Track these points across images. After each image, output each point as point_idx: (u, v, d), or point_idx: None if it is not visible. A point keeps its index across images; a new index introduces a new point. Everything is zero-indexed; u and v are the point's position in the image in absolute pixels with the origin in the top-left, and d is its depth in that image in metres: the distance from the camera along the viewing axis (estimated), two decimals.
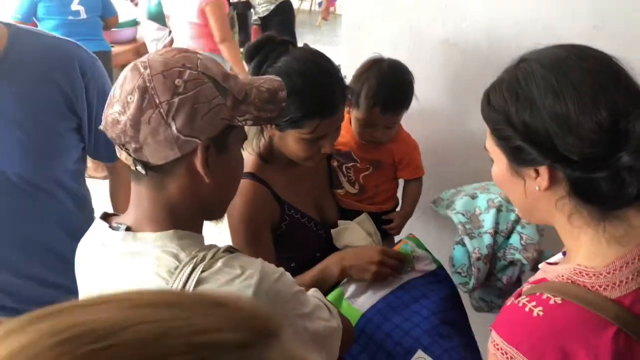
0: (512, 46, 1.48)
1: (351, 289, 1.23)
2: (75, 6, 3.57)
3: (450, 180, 1.73)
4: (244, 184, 1.29)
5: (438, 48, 1.58)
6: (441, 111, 1.67)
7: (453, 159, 1.72)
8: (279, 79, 0.92)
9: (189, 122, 0.79)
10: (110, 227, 0.88)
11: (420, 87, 1.59)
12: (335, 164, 1.50)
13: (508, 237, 1.23)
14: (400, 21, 1.58)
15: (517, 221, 1.23)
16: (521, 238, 1.22)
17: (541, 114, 0.78)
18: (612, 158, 0.75)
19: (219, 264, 0.80)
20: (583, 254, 0.82)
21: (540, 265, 0.98)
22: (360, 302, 1.21)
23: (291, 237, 1.38)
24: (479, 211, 1.27)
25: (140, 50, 4.51)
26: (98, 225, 0.91)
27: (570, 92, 0.77)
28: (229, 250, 0.85)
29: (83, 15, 3.63)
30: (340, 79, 1.24)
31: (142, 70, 0.80)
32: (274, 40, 1.24)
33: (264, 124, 0.91)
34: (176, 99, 0.78)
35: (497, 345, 0.81)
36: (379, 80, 1.36)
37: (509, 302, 0.89)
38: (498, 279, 1.25)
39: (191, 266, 0.79)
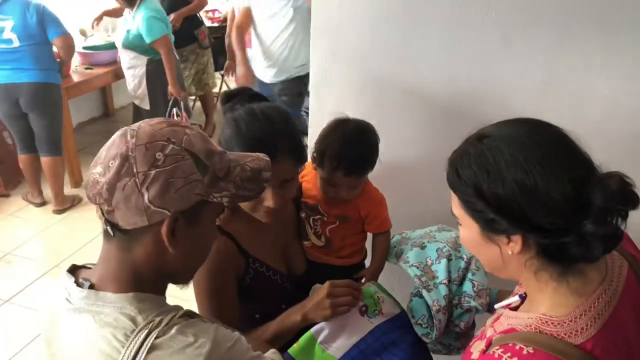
0: (469, 97, 1.59)
1: (324, 333, 1.24)
2: (7, 34, 3.45)
3: (410, 224, 1.79)
4: None
5: (399, 94, 1.64)
6: (402, 155, 1.72)
7: (414, 201, 1.80)
8: (267, 158, 0.96)
9: (161, 194, 0.82)
10: (76, 282, 0.91)
11: (384, 132, 1.66)
12: (303, 215, 1.52)
13: (460, 284, 1.30)
14: (364, 70, 1.65)
15: (467, 268, 1.31)
16: (473, 285, 1.28)
17: (512, 189, 0.85)
18: (578, 226, 0.83)
19: (173, 330, 0.83)
20: (547, 304, 0.90)
21: (496, 306, 1.08)
22: (334, 348, 1.22)
23: (255, 289, 1.39)
24: (430, 261, 1.32)
25: (119, 72, 4.41)
26: (65, 279, 0.93)
27: (537, 169, 0.84)
28: (187, 314, 0.88)
29: (16, 44, 3.48)
30: (288, 133, 1.24)
31: (129, 138, 0.84)
32: (246, 91, 1.34)
33: (240, 202, 0.94)
34: (153, 171, 0.82)
35: None
36: (343, 143, 1.38)
37: (475, 349, 0.98)
38: (455, 324, 1.31)
39: (146, 331, 0.82)
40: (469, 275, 1.30)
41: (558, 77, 1.50)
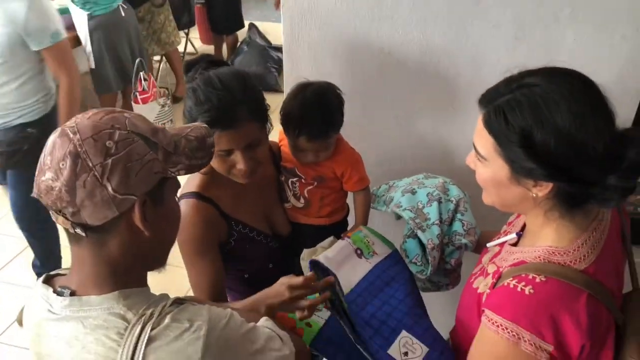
0: (443, 55, 1.60)
1: (322, 258, 1.30)
2: None
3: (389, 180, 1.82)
4: (189, 204, 1.36)
5: (374, 57, 1.65)
6: (379, 116, 1.74)
7: (392, 160, 1.84)
8: (204, 125, 0.97)
9: (124, 181, 0.82)
10: (55, 291, 0.90)
11: (358, 95, 1.67)
12: (282, 178, 1.56)
13: (450, 224, 1.38)
14: (338, 31, 1.65)
15: (456, 210, 1.39)
16: (463, 224, 1.37)
17: (564, 142, 0.90)
18: (604, 178, 0.91)
19: (167, 319, 0.85)
20: (552, 237, 1.02)
21: (489, 245, 1.21)
22: (341, 281, 1.27)
23: (241, 251, 1.44)
24: (421, 205, 1.40)
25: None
26: (41, 291, 0.92)
27: (588, 124, 0.90)
28: (176, 302, 0.90)
29: None
30: (246, 98, 1.25)
31: (71, 135, 0.82)
32: (205, 59, 1.35)
33: (197, 171, 0.96)
34: (109, 160, 0.81)
35: (498, 323, 0.96)
36: (303, 108, 1.39)
37: (480, 284, 1.10)
38: (446, 262, 1.40)
39: (140, 325, 0.84)
40: (458, 215, 1.38)
41: (529, 30, 1.52)
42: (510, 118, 0.93)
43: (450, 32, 1.58)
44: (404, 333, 1.19)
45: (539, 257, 1.01)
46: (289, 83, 1.75)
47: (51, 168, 0.82)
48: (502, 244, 1.19)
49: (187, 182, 1.42)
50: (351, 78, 1.69)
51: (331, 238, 1.54)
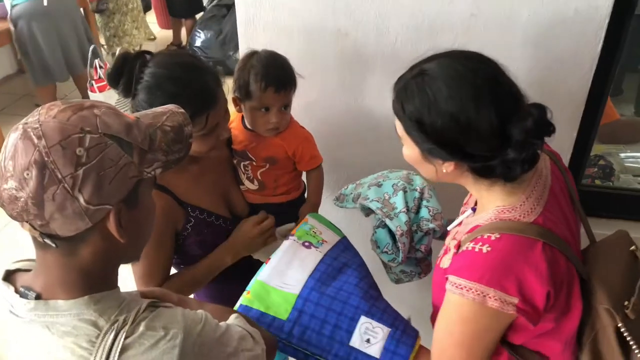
0: (400, 35, 1.59)
1: (274, 276, 1.27)
2: None
3: (352, 164, 1.82)
4: None
5: (331, 38, 1.62)
6: (339, 99, 1.73)
7: (353, 143, 1.84)
8: (181, 110, 0.91)
9: (97, 191, 0.77)
10: (17, 291, 0.85)
11: (317, 77, 1.65)
12: (235, 161, 1.57)
13: (417, 212, 1.42)
14: (293, 12, 1.63)
15: (421, 197, 1.43)
16: (429, 210, 1.41)
17: (449, 124, 0.98)
18: (502, 153, 0.99)
19: (142, 327, 0.82)
20: (497, 198, 1.08)
21: (450, 227, 1.26)
22: (291, 285, 1.25)
23: (200, 236, 1.44)
24: (387, 196, 1.43)
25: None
26: (3, 289, 0.86)
27: (470, 105, 0.98)
28: (150, 305, 0.86)
29: None
30: (208, 67, 1.32)
31: (35, 140, 0.75)
32: (128, 57, 1.28)
33: (173, 167, 0.89)
34: (80, 171, 0.75)
35: (462, 286, 1.01)
36: (264, 63, 1.44)
37: (444, 262, 1.13)
38: (417, 249, 1.43)
39: (113, 333, 0.80)
40: (424, 202, 1.42)
41: (484, 7, 1.52)
42: (405, 105, 1.03)
43: (405, 11, 1.58)
44: (363, 319, 1.19)
45: (490, 218, 1.07)
46: None
47: (14, 176, 0.75)
48: (460, 223, 1.23)
49: None
50: (309, 60, 1.68)
51: (292, 224, 1.57)
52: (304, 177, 1.69)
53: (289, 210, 1.62)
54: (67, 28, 4.05)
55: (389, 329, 1.18)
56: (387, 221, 1.39)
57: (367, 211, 1.52)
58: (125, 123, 0.82)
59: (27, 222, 0.78)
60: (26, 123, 0.77)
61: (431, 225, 1.40)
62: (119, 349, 0.79)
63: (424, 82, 1.01)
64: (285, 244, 1.36)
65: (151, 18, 5.93)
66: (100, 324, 0.81)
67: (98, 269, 0.84)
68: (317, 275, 1.26)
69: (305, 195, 1.69)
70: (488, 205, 1.10)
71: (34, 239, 0.81)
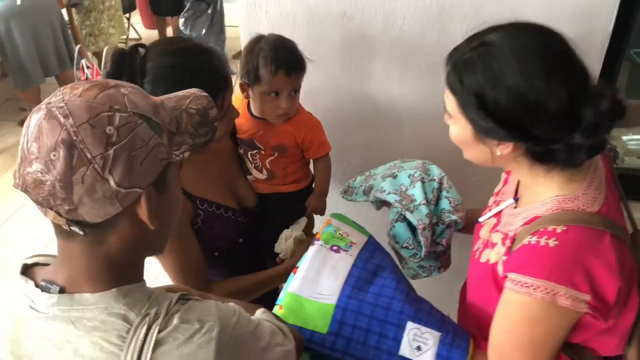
0: (406, 17, 1.55)
1: (305, 287, 1.16)
2: None
3: (359, 153, 1.78)
4: None
5: (336, 22, 1.58)
6: (344, 85, 1.69)
7: (359, 130, 1.80)
8: (204, 93, 0.87)
9: (128, 173, 0.73)
10: (37, 285, 0.80)
11: (322, 62, 1.61)
12: (241, 151, 1.53)
13: (437, 203, 1.35)
14: None
15: (440, 188, 1.36)
16: (450, 202, 1.35)
17: (515, 101, 0.90)
18: (567, 137, 0.91)
19: (175, 320, 0.77)
20: (554, 187, 1.00)
21: (481, 219, 1.19)
22: (326, 294, 1.15)
23: (210, 230, 1.39)
24: (404, 187, 1.36)
25: None
26: (22, 284, 0.81)
27: (540, 83, 0.89)
28: (182, 298, 0.82)
29: None
30: (212, 49, 1.27)
31: (62, 119, 0.70)
32: (124, 54, 1.20)
33: (200, 151, 0.85)
34: (110, 151, 0.71)
35: (528, 284, 0.93)
36: (273, 46, 1.39)
37: (489, 255, 1.07)
38: (438, 243, 1.36)
39: (145, 327, 0.75)
40: (444, 193, 1.36)
41: None
42: (464, 78, 0.95)
43: None
44: (409, 325, 1.10)
45: (551, 209, 0.99)
46: None
47: (39, 158, 0.70)
48: (498, 214, 1.17)
49: None
50: (313, 45, 1.63)
51: (304, 219, 1.53)
52: (311, 166, 1.64)
53: (298, 200, 1.58)
54: (44, 27, 3.95)
55: (439, 334, 1.09)
56: (408, 214, 1.32)
57: (380, 204, 1.46)
58: (153, 103, 0.78)
59: (52, 208, 0.73)
60: (49, 103, 0.73)
61: (453, 217, 1.33)
62: (152, 344, 0.74)
63: (489, 54, 0.92)
64: (312, 249, 1.24)
65: (136, 19, 5.83)
66: (131, 317, 0.76)
67: (126, 259, 0.80)
68: (352, 281, 1.16)
69: (313, 185, 1.65)
70: (544, 194, 1.02)
71: (57, 228, 0.77)
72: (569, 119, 0.90)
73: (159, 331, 0.75)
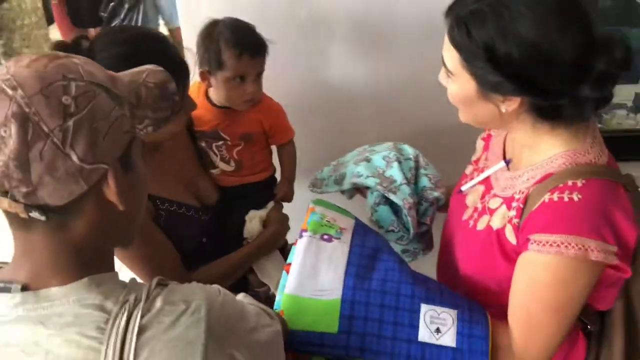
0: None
1: (303, 285, 1.05)
2: None
3: (320, 141, 1.68)
4: None
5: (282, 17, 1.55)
6: (298, 70, 1.64)
7: (319, 117, 1.74)
8: (160, 68, 0.81)
9: (91, 147, 0.67)
10: None
11: (271, 47, 1.48)
12: (203, 144, 1.45)
13: (416, 182, 1.30)
14: None
15: (417, 167, 1.32)
16: (429, 179, 1.31)
17: (528, 53, 0.86)
18: (576, 90, 0.87)
19: (158, 303, 0.71)
20: (561, 143, 0.97)
21: (464, 188, 1.16)
22: (328, 290, 1.04)
23: (173, 231, 1.31)
24: (381, 170, 1.31)
25: None
26: None
27: (555, 34, 0.85)
28: (160, 283, 0.76)
29: None
30: (164, 36, 1.19)
31: (10, 92, 0.64)
32: (67, 48, 1.10)
33: (162, 126, 0.79)
34: (70, 122, 0.65)
35: (558, 242, 0.90)
36: (233, 29, 1.33)
37: (489, 221, 1.04)
38: (422, 223, 1.32)
39: (125, 314, 0.68)
40: (422, 171, 1.32)
41: None
42: (473, 31, 0.89)
43: None
44: (424, 307, 1.02)
45: (563, 164, 0.96)
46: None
47: None
48: (485, 180, 1.12)
49: None
50: (261, 29, 1.49)
51: (271, 202, 1.49)
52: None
53: (265, 188, 1.53)
54: None
55: (456, 311, 1.02)
56: (391, 196, 1.25)
57: (352, 192, 1.39)
58: (109, 74, 0.73)
59: (7, 193, 0.66)
60: None
61: (436, 194, 1.29)
62: (135, 331, 0.67)
63: (500, 3, 0.87)
64: (302, 242, 1.12)
65: (54, 34, 5.51)
66: (108, 307, 0.69)
67: (94, 246, 0.73)
68: (352, 270, 1.06)
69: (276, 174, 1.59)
70: (550, 151, 0.98)
71: (14, 218, 0.69)
72: (581, 70, 0.86)
73: (142, 316, 0.68)
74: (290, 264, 1.08)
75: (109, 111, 0.68)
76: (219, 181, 1.47)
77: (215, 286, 0.80)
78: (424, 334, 0.99)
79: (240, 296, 0.97)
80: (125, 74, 0.77)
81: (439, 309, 1.02)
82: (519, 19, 0.86)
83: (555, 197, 0.92)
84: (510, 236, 0.99)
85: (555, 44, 0.86)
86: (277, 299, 1.06)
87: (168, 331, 0.68)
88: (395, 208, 1.29)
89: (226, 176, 1.47)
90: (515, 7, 0.86)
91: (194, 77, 1.26)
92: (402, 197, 1.24)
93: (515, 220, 0.98)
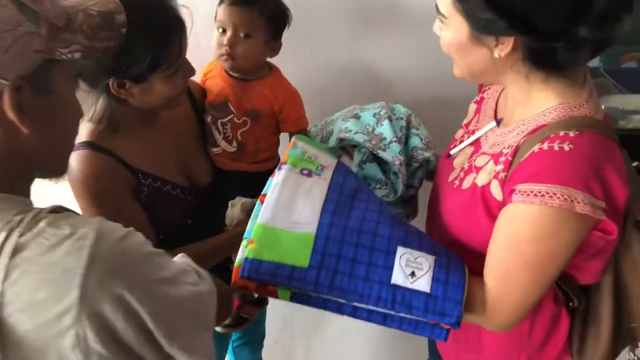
0: None
1: (278, 216, 1.01)
2: None
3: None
4: (82, 155, 1.17)
5: None
6: (292, 52, 1.57)
7: (316, 101, 1.64)
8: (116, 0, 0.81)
9: None
10: None
11: None
12: (208, 119, 1.40)
13: (406, 142, 1.27)
14: None
15: (408, 126, 1.28)
16: (421, 139, 1.27)
17: None
18: (572, 30, 0.84)
19: (42, 224, 0.67)
20: (554, 97, 0.94)
21: (453, 152, 1.13)
22: (302, 222, 1.00)
23: (155, 209, 1.26)
24: (371, 127, 1.27)
25: None
26: None
27: None
28: (55, 210, 0.72)
29: None
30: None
31: None
32: None
33: (100, 56, 0.81)
34: None
35: (543, 192, 0.86)
36: None
37: (475, 179, 1.00)
38: (411, 185, 1.29)
39: (4, 233, 0.65)
40: (413, 131, 1.28)
41: None
42: None
43: None
44: (400, 250, 0.98)
45: (558, 116, 0.93)
46: None
47: None
48: (476, 142, 1.10)
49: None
50: None
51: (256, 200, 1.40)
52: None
53: (263, 183, 1.43)
54: None
55: (433, 257, 0.98)
56: (381, 153, 1.22)
57: (339, 153, 1.34)
58: None
59: None
60: None
61: (427, 154, 1.25)
62: (10, 250, 0.63)
63: None
64: (281, 174, 1.08)
65: None
66: None
67: (3, 166, 0.71)
68: (330, 207, 1.03)
69: None
70: (543, 105, 0.95)
71: None
72: (579, 8, 0.83)
73: (20, 235, 0.65)
74: (265, 195, 1.05)
75: (14, 25, 0.67)
76: (218, 163, 1.42)
77: (128, 228, 0.75)
78: (398, 277, 0.95)
79: (178, 257, 0.92)
80: (75, 0, 0.77)
81: (416, 252, 0.98)
82: None
83: (545, 146, 0.89)
84: (496, 191, 0.96)
85: None
86: (247, 227, 1.02)
87: (46, 254, 0.65)
88: (383, 168, 1.25)
89: (226, 158, 1.42)
90: None
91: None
92: (392, 155, 1.21)
93: (502, 175, 0.95)
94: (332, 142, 1.29)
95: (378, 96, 1.64)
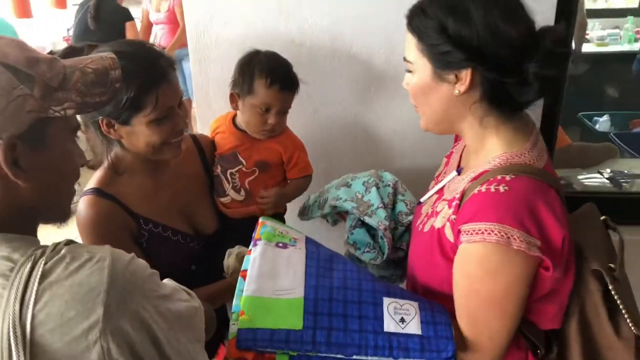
0: (354, 40, 1.58)
1: (264, 286, 1.05)
2: None
3: (317, 180, 1.73)
4: (87, 200, 1.26)
5: (285, 49, 1.60)
6: (298, 111, 1.67)
7: (317, 157, 1.76)
8: (112, 55, 0.86)
9: None
10: None
11: None
12: (218, 170, 1.49)
13: (393, 207, 1.36)
14: (244, 27, 1.65)
15: (395, 193, 1.37)
16: (406, 204, 1.36)
17: (474, 23, 0.94)
18: (523, 65, 0.94)
19: (63, 251, 0.74)
20: (501, 145, 1.03)
21: (423, 199, 1.20)
22: (289, 289, 1.05)
23: (155, 253, 1.32)
24: (360, 195, 1.37)
25: None
26: None
27: (498, 7, 0.94)
28: (70, 242, 0.78)
29: None
30: (160, 51, 1.26)
31: None
32: (76, 49, 1.20)
33: (93, 111, 0.86)
34: None
35: (482, 230, 0.93)
36: (271, 60, 1.44)
37: (434, 222, 1.07)
38: (398, 248, 1.36)
39: (30, 263, 0.71)
40: (399, 197, 1.38)
41: None
42: (428, 10, 0.99)
43: (360, 15, 1.59)
44: (387, 300, 1.05)
45: (498, 163, 1.02)
46: (198, 84, 1.66)
47: None
48: (440, 190, 1.18)
49: (91, 179, 1.32)
50: None
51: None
52: None
53: None
54: None
55: (417, 302, 1.05)
56: (367, 219, 1.32)
57: (335, 217, 1.45)
58: (30, 57, 0.76)
59: None
60: None
61: (410, 218, 1.33)
62: (38, 275, 0.70)
63: None
64: (257, 249, 1.13)
65: None
66: (15, 257, 0.72)
67: (6, 213, 0.76)
68: (312, 271, 1.09)
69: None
70: (491, 153, 1.04)
71: None
72: (526, 44, 0.94)
73: (45, 262, 0.71)
74: (246, 270, 1.09)
75: (9, 89, 0.72)
76: (225, 211, 1.50)
77: (130, 254, 0.80)
78: (389, 325, 1.00)
79: (166, 280, 0.96)
80: (74, 59, 0.82)
81: (400, 301, 1.04)
82: (469, 4, 0.94)
83: (483, 188, 0.97)
84: (449, 233, 1.03)
85: (504, 19, 0.93)
86: (234, 303, 1.04)
87: (70, 277, 0.70)
88: (372, 233, 1.33)
89: (233, 207, 1.50)
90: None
91: None
92: (377, 220, 1.30)
93: (452, 217, 1.02)
94: (327, 209, 1.40)
95: (380, 153, 1.72)
